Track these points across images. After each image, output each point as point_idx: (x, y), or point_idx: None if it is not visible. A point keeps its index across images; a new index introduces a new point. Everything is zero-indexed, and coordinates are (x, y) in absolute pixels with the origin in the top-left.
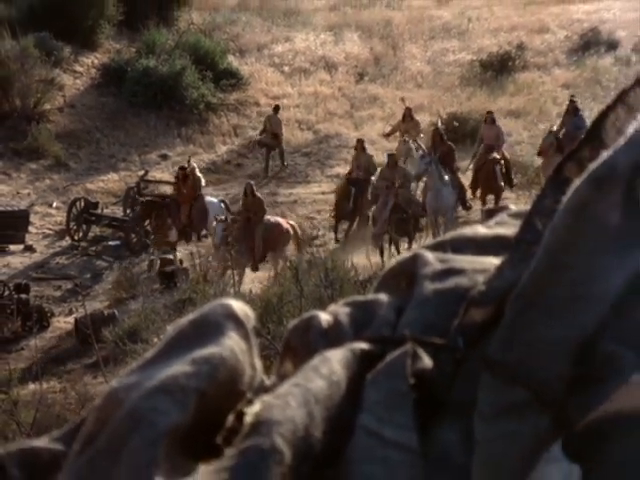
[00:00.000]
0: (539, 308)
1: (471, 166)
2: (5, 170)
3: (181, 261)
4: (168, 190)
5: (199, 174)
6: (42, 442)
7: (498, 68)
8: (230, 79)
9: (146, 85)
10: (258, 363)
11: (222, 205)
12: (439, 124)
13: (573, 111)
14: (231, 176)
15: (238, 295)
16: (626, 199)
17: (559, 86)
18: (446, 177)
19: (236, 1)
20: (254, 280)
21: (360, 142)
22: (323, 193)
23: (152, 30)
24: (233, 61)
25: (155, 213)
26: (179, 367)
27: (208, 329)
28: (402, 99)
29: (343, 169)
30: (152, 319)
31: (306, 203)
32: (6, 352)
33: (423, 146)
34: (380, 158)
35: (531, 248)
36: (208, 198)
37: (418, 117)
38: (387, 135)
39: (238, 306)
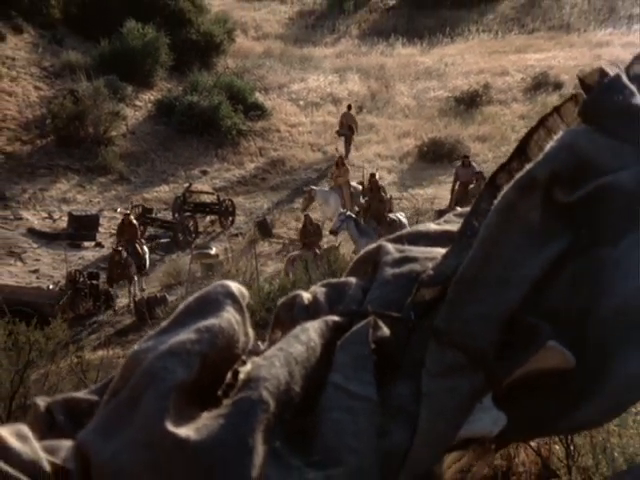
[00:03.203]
0: (474, 289)
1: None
2: (80, 183)
3: (218, 255)
4: (207, 199)
5: (135, 222)
6: (82, 394)
7: (468, 102)
8: (257, 111)
9: (190, 116)
10: (251, 332)
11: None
12: (377, 175)
13: None
14: (257, 187)
15: (259, 282)
16: (544, 202)
17: (516, 117)
18: (366, 228)
19: (262, 50)
20: (273, 273)
21: (373, 176)
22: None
23: (196, 73)
24: (259, 97)
25: (118, 255)
26: (186, 335)
27: (210, 304)
28: (336, 148)
29: None
30: None
31: (317, 209)
32: (80, 326)
33: (359, 187)
34: (378, 173)
35: (470, 241)
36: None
37: (405, 141)
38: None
39: (235, 286)
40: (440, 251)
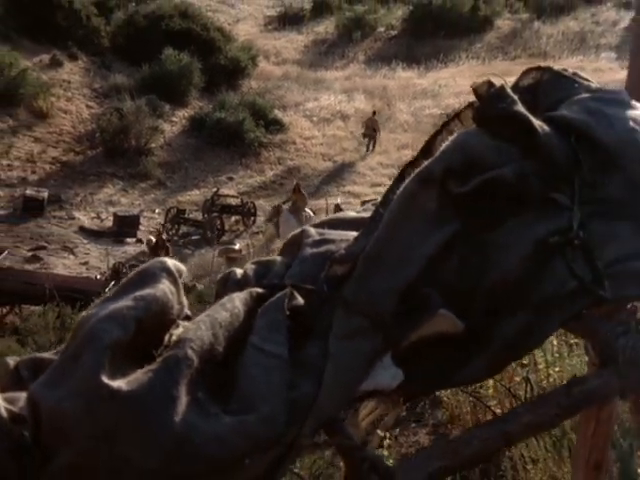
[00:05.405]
0: (378, 265)
1: None
2: (124, 188)
3: (241, 250)
4: (232, 201)
5: (167, 244)
6: (47, 354)
7: None
8: (276, 126)
9: (219, 130)
10: (185, 301)
11: None
12: (338, 201)
13: None
14: (276, 192)
15: None
16: (440, 193)
17: None
18: None
19: (281, 73)
20: None
21: (338, 206)
22: (340, 204)
23: (224, 93)
24: (278, 113)
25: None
26: (124, 302)
27: (147, 277)
28: (296, 181)
29: (352, 187)
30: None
31: (329, 211)
32: None
33: (312, 213)
34: (380, 180)
35: (377, 225)
36: None
37: (404, 152)
38: (284, 202)
39: (171, 262)
40: (355, 234)
